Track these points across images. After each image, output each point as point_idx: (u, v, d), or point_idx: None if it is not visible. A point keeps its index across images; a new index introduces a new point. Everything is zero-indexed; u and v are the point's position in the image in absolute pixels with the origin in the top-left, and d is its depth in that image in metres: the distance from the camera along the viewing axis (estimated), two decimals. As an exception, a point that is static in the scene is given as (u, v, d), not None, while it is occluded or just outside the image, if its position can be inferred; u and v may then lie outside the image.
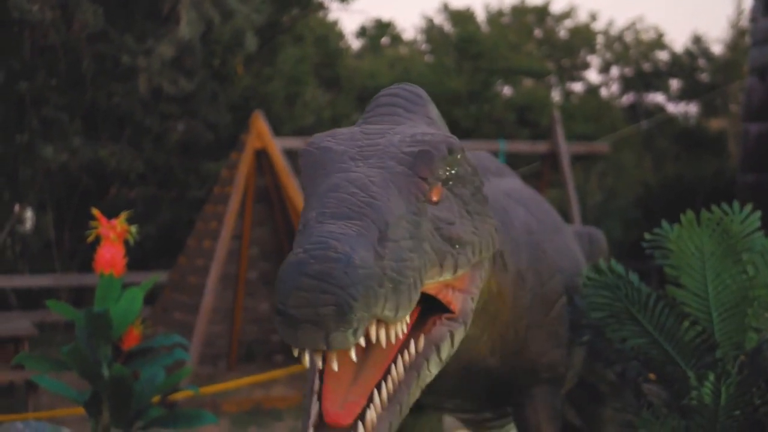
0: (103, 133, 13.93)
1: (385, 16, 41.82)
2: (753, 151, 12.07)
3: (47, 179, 13.65)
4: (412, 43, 26.81)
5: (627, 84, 26.47)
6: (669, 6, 50.15)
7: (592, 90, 26.52)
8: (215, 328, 11.15)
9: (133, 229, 5.21)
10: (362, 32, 25.62)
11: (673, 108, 25.34)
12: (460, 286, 2.60)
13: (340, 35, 23.24)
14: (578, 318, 3.92)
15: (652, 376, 3.83)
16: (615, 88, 27.11)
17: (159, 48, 12.78)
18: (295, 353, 2.18)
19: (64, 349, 4.81)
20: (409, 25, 34.75)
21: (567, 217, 11.42)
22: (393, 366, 2.37)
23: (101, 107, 13.77)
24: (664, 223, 3.76)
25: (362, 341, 2.13)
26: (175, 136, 14.75)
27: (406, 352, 2.41)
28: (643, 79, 25.84)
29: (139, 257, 13.05)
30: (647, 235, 3.79)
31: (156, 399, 5.29)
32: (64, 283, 12.85)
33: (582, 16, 31.87)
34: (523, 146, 13.48)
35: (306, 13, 17.67)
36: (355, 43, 25.85)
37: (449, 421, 5.86)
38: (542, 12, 26.79)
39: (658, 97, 26.10)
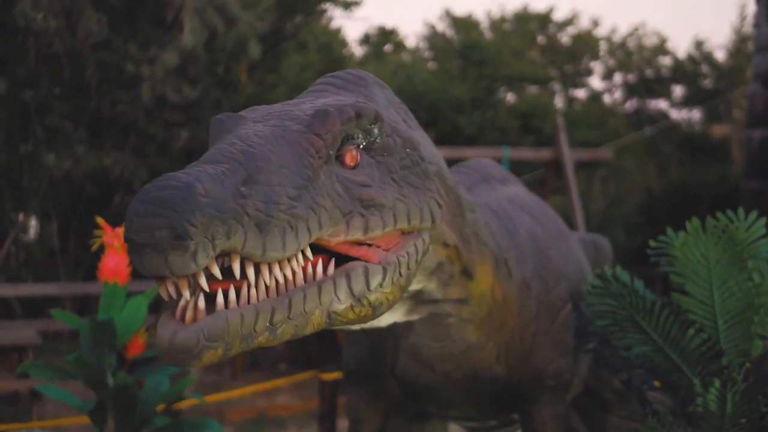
0: (107, 141, 13.93)
1: (389, 24, 41.82)
2: (756, 157, 12.05)
3: (51, 187, 13.65)
4: (414, 51, 26.82)
5: (630, 90, 26.47)
6: (671, 12, 50.17)
7: (596, 96, 26.52)
8: (219, 336, 11.15)
9: (138, 237, 5.20)
10: (366, 39, 25.63)
11: (676, 114, 25.35)
12: (385, 247, 2.59)
13: (344, 43, 23.26)
14: (584, 325, 3.92)
15: (657, 383, 3.82)
16: (618, 94, 27.11)
17: (163, 56, 12.78)
18: (159, 289, 2.17)
19: (68, 358, 4.81)
20: (411, 32, 34.84)
21: (570, 223, 11.41)
22: (287, 271, 2.32)
23: (105, 115, 13.78)
24: (669, 230, 3.75)
25: (217, 272, 2.12)
26: (178, 143, 14.75)
27: (310, 270, 2.38)
28: (646, 86, 25.84)
29: (143, 265, 13.03)
30: (652, 243, 3.79)
31: (160, 408, 5.29)
32: (69, 292, 12.83)
33: (584, 23, 31.84)
34: (526, 153, 13.48)
35: (309, 21, 17.68)
36: (359, 51, 25.87)
37: (454, 429, 5.86)
38: (545, 19, 26.80)
39: (661, 104, 26.11)
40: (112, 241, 5.11)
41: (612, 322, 3.75)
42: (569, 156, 12.30)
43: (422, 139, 2.94)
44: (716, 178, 18.30)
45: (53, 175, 13.09)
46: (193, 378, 5.37)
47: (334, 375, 6.93)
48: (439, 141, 15.50)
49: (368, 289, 2.49)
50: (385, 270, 2.55)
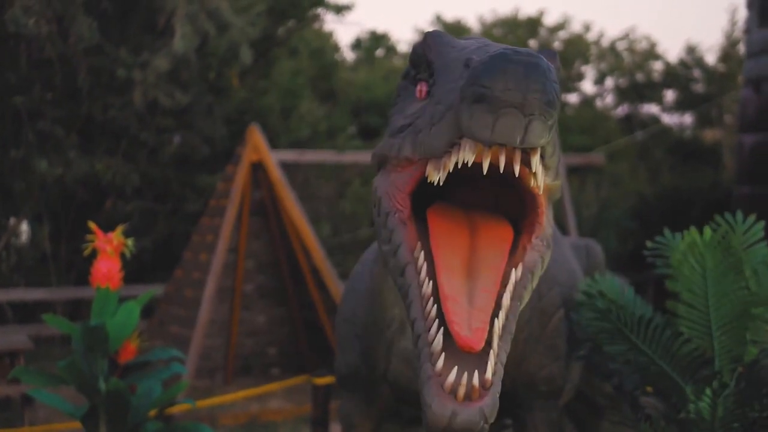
0: (98, 146, 13.91)
1: (380, 28, 41.83)
2: (748, 162, 12.07)
3: (43, 192, 13.64)
4: (406, 56, 26.83)
5: (621, 95, 26.49)
6: (662, 16, 50.23)
7: (587, 101, 26.54)
8: (212, 341, 11.14)
9: (130, 242, 5.20)
10: (357, 44, 25.64)
11: (667, 119, 25.37)
12: (543, 210, 2.60)
13: (336, 47, 23.25)
14: (576, 331, 3.92)
15: (649, 388, 3.83)
16: (610, 99, 27.13)
17: (154, 61, 12.78)
18: (469, 156, 2.17)
19: (60, 363, 4.80)
20: (402, 36, 34.83)
21: (563, 228, 11.42)
22: (503, 296, 2.36)
23: (97, 120, 13.76)
24: (666, 232, 3.76)
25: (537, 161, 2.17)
26: (170, 149, 14.73)
27: (510, 283, 2.40)
28: (638, 90, 25.86)
29: (135, 270, 13.03)
30: (649, 244, 3.79)
31: (153, 413, 5.28)
32: (60, 297, 12.82)
33: (576, 27, 31.95)
34: (518, 158, 13.45)
35: (301, 26, 17.68)
36: (350, 56, 25.87)
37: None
38: (535, 23, 26.81)
39: (652, 108, 26.13)
40: (104, 246, 5.10)
41: (601, 334, 3.76)
42: (561, 161, 12.31)
43: None
44: (708, 183, 18.32)
45: (45, 180, 13.07)
46: (186, 383, 5.36)
47: (326, 380, 6.93)
48: (431, 146, 15.46)
49: (537, 277, 2.61)
50: (550, 247, 2.64)
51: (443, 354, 2.22)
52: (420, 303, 2.32)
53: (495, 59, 2.04)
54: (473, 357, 2.22)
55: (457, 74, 2.26)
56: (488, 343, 2.27)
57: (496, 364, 2.24)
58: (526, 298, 2.48)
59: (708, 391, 3.32)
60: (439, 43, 2.52)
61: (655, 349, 3.64)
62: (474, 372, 2.16)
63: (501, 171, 2.19)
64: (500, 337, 2.30)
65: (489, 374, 2.18)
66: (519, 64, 2.01)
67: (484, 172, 2.18)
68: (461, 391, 2.14)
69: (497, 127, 2.02)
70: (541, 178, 2.30)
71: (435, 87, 2.37)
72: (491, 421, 2.15)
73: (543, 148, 2.19)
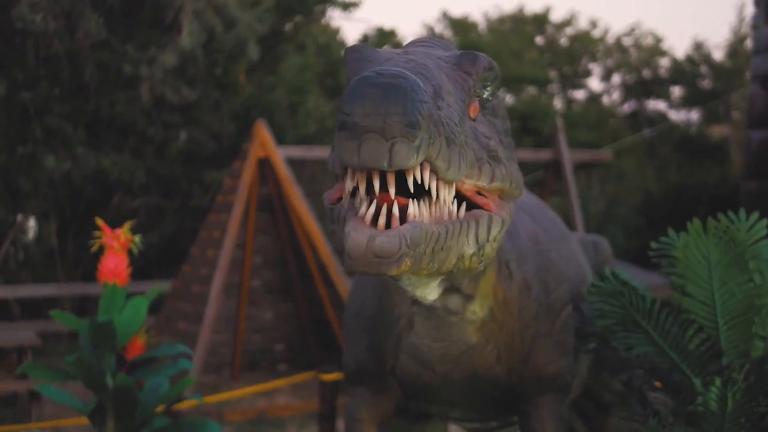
0: (106, 142, 13.93)
1: (387, 25, 41.81)
2: (756, 158, 12.04)
3: (50, 189, 13.65)
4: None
5: (628, 91, 26.48)
6: (668, 12, 50.17)
7: (594, 98, 26.53)
8: (219, 337, 11.15)
9: (137, 238, 5.20)
10: (364, 40, 25.63)
11: (674, 115, 25.36)
12: (494, 201, 2.60)
13: (343, 44, 23.24)
14: (584, 327, 3.92)
15: (657, 384, 3.82)
16: (616, 95, 27.12)
17: (161, 57, 12.78)
18: (350, 186, 2.19)
19: (68, 359, 4.80)
20: (410, 33, 34.82)
21: (570, 225, 11.41)
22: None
23: (104, 116, 13.77)
24: (671, 231, 3.75)
25: (420, 177, 2.15)
26: (177, 145, 14.74)
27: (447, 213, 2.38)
28: (645, 87, 25.84)
29: (142, 266, 13.05)
30: (654, 244, 3.78)
31: (160, 409, 5.28)
32: (68, 293, 12.83)
33: (582, 24, 31.83)
34: (526, 154, 13.46)
35: (308, 22, 17.67)
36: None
37: (453, 430, 5.86)
38: (542, 20, 26.81)
39: (659, 105, 26.12)
40: (112, 242, 5.10)
41: (612, 322, 3.75)
42: (568, 157, 12.30)
43: None
44: (715, 180, 18.32)
45: (52, 176, 13.09)
46: (193, 379, 5.36)
47: (333, 376, 6.92)
48: (438, 142, 15.48)
49: (487, 239, 2.52)
50: (502, 221, 2.58)
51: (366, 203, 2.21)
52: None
53: (356, 84, 2.05)
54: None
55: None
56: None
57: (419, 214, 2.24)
58: (469, 240, 2.43)
59: (717, 382, 3.32)
60: (354, 59, 2.53)
61: (665, 338, 3.63)
62: (395, 203, 2.17)
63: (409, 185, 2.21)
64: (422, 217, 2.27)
65: (411, 210, 2.18)
66: (378, 87, 2.01)
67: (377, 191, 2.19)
68: (381, 220, 2.15)
69: (362, 153, 2.03)
70: (444, 192, 2.29)
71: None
72: (413, 249, 2.14)
73: (435, 164, 2.18)
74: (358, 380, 3.81)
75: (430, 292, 2.97)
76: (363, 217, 2.19)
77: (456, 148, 2.22)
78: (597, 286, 3.80)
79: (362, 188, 2.20)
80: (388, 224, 2.20)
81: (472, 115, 2.51)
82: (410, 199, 2.21)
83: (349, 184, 2.22)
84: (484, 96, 2.58)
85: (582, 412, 4.88)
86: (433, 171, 2.18)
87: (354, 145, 2.04)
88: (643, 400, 3.82)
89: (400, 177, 2.18)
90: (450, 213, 2.36)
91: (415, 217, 2.21)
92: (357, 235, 2.13)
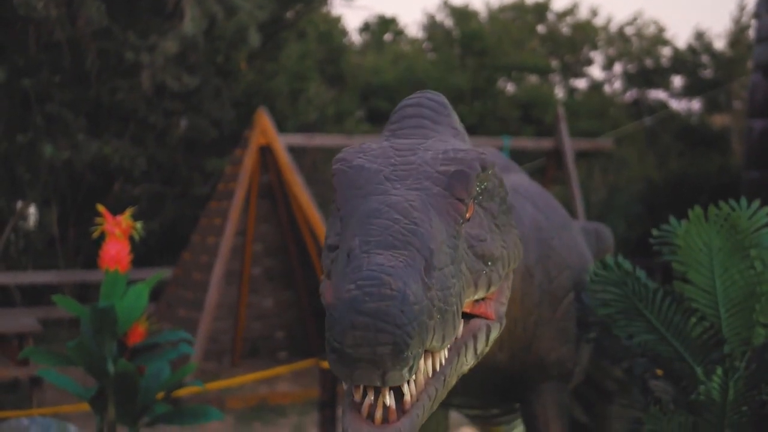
0: (106, 129, 13.93)
1: (388, 12, 41.77)
2: (757, 147, 12.05)
3: (51, 176, 13.65)
4: (414, 41, 26.80)
5: (630, 80, 26.46)
6: (671, 2, 50.09)
7: (596, 86, 26.52)
8: (219, 324, 11.17)
9: (139, 225, 5.20)
10: (366, 28, 25.62)
11: (675, 104, 25.34)
12: (491, 297, 2.58)
13: (344, 31, 23.23)
14: (586, 314, 3.92)
15: (659, 372, 3.82)
16: (618, 84, 27.10)
17: (162, 44, 12.77)
18: (348, 389, 2.16)
19: (69, 345, 4.80)
20: (411, 21, 34.77)
21: (571, 213, 11.41)
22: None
23: (105, 104, 13.77)
24: (672, 219, 3.75)
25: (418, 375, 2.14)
26: (178, 132, 14.74)
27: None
28: (646, 76, 25.83)
29: (142, 254, 13.06)
30: (655, 232, 3.78)
31: (161, 395, 5.29)
32: (68, 280, 12.85)
33: (584, 12, 31.79)
34: (527, 143, 13.47)
35: (309, 9, 17.66)
36: (358, 39, 25.85)
37: (454, 417, 5.86)
38: (543, 8, 26.78)
39: (660, 94, 26.10)
40: (113, 228, 5.10)
41: (614, 310, 3.75)
42: (570, 145, 12.30)
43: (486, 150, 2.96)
44: (716, 169, 18.31)
45: (53, 164, 13.09)
46: (194, 365, 5.36)
47: (334, 363, 6.92)
48: (439, 130, 15.50)
49: (486, 345, 2.51)
50: (501, 323, 2.58)
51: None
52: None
53: (344, 308, 2.01)
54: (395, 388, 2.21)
55: (347, 246, 2.25)
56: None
57: (415, 389, 2.22)
58: (468, 359, 2.42)
59: (719, 371, 3.32)
60: (339, 183, 2.48)
61: (668, 326, 3.63)
62: (389, 395, 2.15)
63: None
64: (421, 389, 2.26)
65: (407, 397, 2.17)
66: (367, 315, 1.98)
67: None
68: (378, 413, 2.13)
69: (354, 377, 2.02)
70: (440, 357, 2.28)
71: (342, 235, 2.37)
72: None
73: (431, 347, 2.15)
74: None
75: None
76: (359, 409, 2.15)
77: (450, 315, 2.19)
78: (600, 275, 3.80)
79: (371, 393, 2.18)
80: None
81: (467, 217, 2.47)
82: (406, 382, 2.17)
83: (346, 388, 2.20)
84: (479, 189, 2.54)
85: (583, 399, 4.88)
86: (429, 350, 2.16)
87: (347, 370, 2.02)
88: (645, 388, 3.83)
89: None
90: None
91: (410, 398, 2.17)
92: None
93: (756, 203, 3.69)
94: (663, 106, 25.15)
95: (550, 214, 3.92)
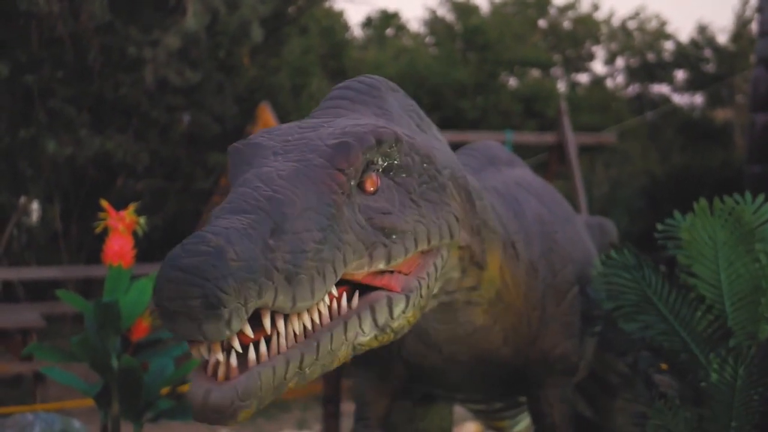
0: (109, 124, 13.92)
1: (391, 7, 41.77)
2: (760, 141, 12.02)
3: (54, 171, 13.65)
4: (416, 36, 26.79)
5: (632, 75, 26.46)
6: (674, -4, 50.02)
7: (598, 81, 26.51)
8: (222, 319, 11.15)
9: (142, 220, 5.20)
10: (368, 23, 25.61)
11: (678, 99, 25.34)
12: (405, 270, 2.56)
13: (346, 26, 23.23)
14: (590, 308, 3.92)
15: (663, 366, 3.82)
16: (620, 79, 27.10)
17: (165, 39, 12.77)
18: (190, 350, 2.16)
19: (73, 340, 4.80)
20: (413, 16, 34.76)
21: (574, 207, 11.40)
22: (315, 315, 2.30)
23: (108, 99, 13.77)
24: (676, 213, 3.75)
25: (249, 331, 2.11)
26: (181, 127, 14.75)
27: (335, 305, 2.36)
28: (648, 70, 25.82)
29: (146, 249, 13.03)
30: (659, 226, 3.78)
31: (165, 390, 5.29)
32: (72, 275, 12.85)
33: (585, 6, 31.79)
34: (530, 137, 13.48)
35: (311, 4, 17.65)
36: (361, 34, 25.84)
37: (458, 412, 5.86)
38: (545, 3, 26.77)
39: (663, 88, 26.10)
40: (117, 223, 5.10)
41: (623, 297, 3.74)
42: (573, 140, 12.29)
43: (435, 141, 2.91)
44: (719, 163, 18.31)
45: (56, 159, 13.09)
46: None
47: (338, 358, 6.92)
48: (442, 125, 15.49)
49: (392, 318, 2.48)
50: (408, 297, 2.53)
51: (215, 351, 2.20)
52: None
53: (164, 264, 2.06)
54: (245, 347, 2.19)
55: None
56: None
57: (267, 350, 2.21)
58: (365, 330, 2.39)
59: (730, 360, 3.32)
60: (233, 163, 2.51)
61: (676, 316, 3.63)
62: (234, 354, 2.15)
63: None
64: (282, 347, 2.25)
65: (251, 355, 2.17)
66: (180, 270, 2.01)
67: None
68: (222, 372, 2.13)
69: (178, 331, 2.05)
70: (304, 316, 2.27)
71: None
72: (247, 401, 2.12)
73: (276, 306, 2.14)
74: (365, 362, 3.82)
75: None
76: (205, 367, 2.17)
77: (306, 277, 2.18)
78: (611, 260, 3.80)
79: (203, 348, 2.17)
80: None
81: (370, 190, 2.47)
82: (250, 342, 2.17)
83: (190, 350, 2.20)
84: (387, 164, 2.54)
85: (587, 393, 4.89)
86: (278, 311, 2.16)
87: (170, 324, 2.05)
88: (649, 383, 3.83)
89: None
90: (335, 311, 2.35)
91: (259, 358, 2.17)
92: (195, 390, 2.13)
93: (761, 197, 3.69)
94: (665, 100, 25.16)
95: (554, 208, 3.92)
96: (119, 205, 5.40)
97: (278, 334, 2.20)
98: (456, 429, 7.67)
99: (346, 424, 7.04)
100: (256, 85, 15.85)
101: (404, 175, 2.59)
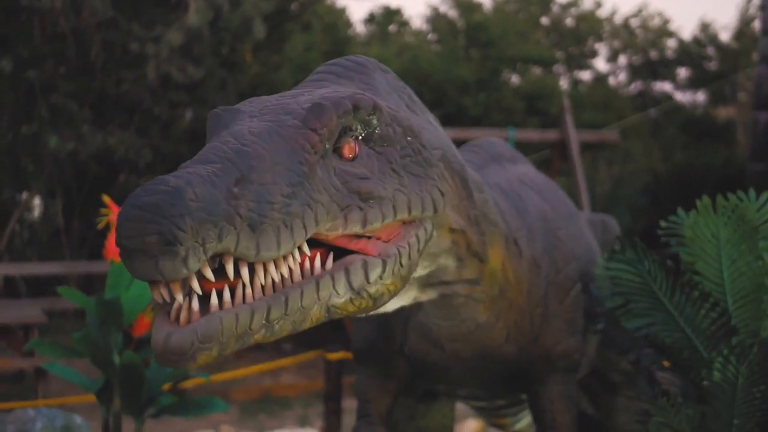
0: (111, 120, 13.92)
1: (393, 4, 41.70)
2: (762, 139, 12.03)
3: (56, 167, 13.65)
4: (419, 33, 26.78)
5: (634, 72, 26.45)
6: (677, -6, 49.98)
7: (600, 78, 26.50)
8: (224, 315, 11.15)
9: (144, 216, 5.19)
10: (371, 19, 25.59)
11: (680, 96, 25.34)
12: (385, 238, 2.57)
13: (348, 23, 23.22)
14: (592, 306, 3.91)
15: (666, 363, 3.82)
16: (622, 76, 27.09)
17: (167, 35, 12.76)
18: (152, 292, 2.17)
19: (75, 336, 4.81)
20: (415, 13, 34.75)
21: (576, 205, 11.40)
22: (284, 270, 2.31)
23: (110, 95, 13.77)
24: (680, 211, 3.74)
25: (210, 274, 2.12)
26: (183, 123, 14.75)
27: (308, 265, 2.37)
28: (651, 68, 25.82)
29: (147, 245, 13.05)
30: (663, 223, 3.78)
31: (166, 386, 5.30)
32: (73, 271, 12.85)
33: (588, 3, 31.79)
34: (532, 134, 13.46)
35: (314, 1, 17.65)
36: (363, 31, 25.83)
37: (460, 409, 5.87)
38: (547, 0, 26.77)
39: (665, 86, 26.10)
40: (119, 219, 5.10)
41: (627, 293, 3.73)
42: (575, 138, 12.29)
43: (426, 123, 2.91)
44: (721, 161, 18.30)
45: (58, 155, 13.09)
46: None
47: (339, 355, 6.93)
48: (445, 122, 15.47)
49: (368, 282, 2.48)
50: (384, 262, 2.53)
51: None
52: None
53: (125, 204, 2.07)
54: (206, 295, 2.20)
55: None
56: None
57: (231, 298, 2.22)
58: (338, 291, 2.40)
59: (732, 358, 3.32)
60: (211, 126, 2.54)
61: (680, 312, 3.62)
62: (195, 298, 2.15)
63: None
64: (250, 298, 2.24)
65: (214, 301, 2.16)
66: (138, 208, 2.03)
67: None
68: (183, 316, 2.14)
69: (136, 270, 2.06)
70: (270, 268, 2.27)
71: None
72: (207, 344, 2.12)
73: (238, 254, 2.15)
74: (367, 359, 3.82)
75: (417, 297, 3.00)
76: (167, 313, 2.18)
77: (271, 227, 2.19)
78: (617, 252, 3.79)
79: (164, 290, 2.17)
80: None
81: (348, 156, 2.49)
82: (213, 288, 2.18)
83: (151, 292, 2.21)
84: (368, 131, 2.56)
85: (589, 391, 4.88)
86: (241, 258, 2.18)
87: (129, 263, 2.07)
88: (652, 380, 3.82)
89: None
90: (307, 271, 2.36)
91: (223, 305, 2.18)
92: (156, 334, 2.14)
93: (765, 195, 3.69)
94: (668, 98, 25.16)
95: (557, 205, 3.91)
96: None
97: (243, 285, 2.21)
98: (457, 426, 7.67)
99: (348, 421, 7.05)
100: (258, 82, 15.84)
101: (385, 145, 2.61)
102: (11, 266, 12.62)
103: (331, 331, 11.17)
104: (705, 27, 24.65)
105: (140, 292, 5.11)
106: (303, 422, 9.05)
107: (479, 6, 25.83)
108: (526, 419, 4.84)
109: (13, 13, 12.75)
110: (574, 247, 3.82)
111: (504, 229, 3.26)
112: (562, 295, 3.63)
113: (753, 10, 23.25)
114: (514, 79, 24.09)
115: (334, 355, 6.91)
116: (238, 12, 13.81)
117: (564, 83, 25.69)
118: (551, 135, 12.72)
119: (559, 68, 26.25)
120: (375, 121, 2.56)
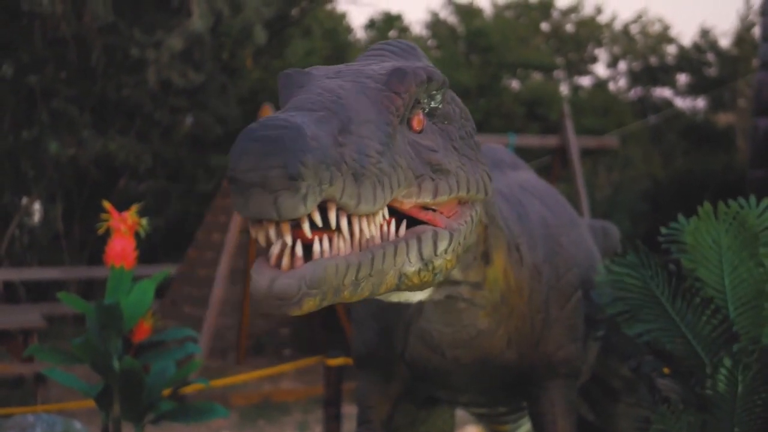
0: (112, 125, 13.93)
1: (394, 9, 41.72)
2: (762, 146, 12.03)
3: (56, 172, 13.66)
4: (419, 39, 26.79)
5: (634, 78, 26.46)
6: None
7: (601, 84, 26.51)
8: (224, 321, 11.15)
9: (144, 221, 5.20)
10: (371, 25, 25.59)
11: (680, 103, 25.35)
12: (445, 213, 2.57)
13: (349, 28, 23.23)
14: (593, 312, 3.91)
15: (666, 370, 3.81)
16: (622, 82, 27.10)
17: (168, 40, 12.78)
18: (254, 234, 2.16)
19: (75, 342, 4.80)
20: (415, 19, 34.77)
21: (576, 211, 11.41)
22: (372, 228, 2.30)
23: (111, 100, 13.78)
24: (680, 217, 3.74)
25: (318, 220, 2.11)
26: (184, 129, 14.76)
27: (385, 230, 2.36)
28: (651, 74, 25.83)
29: (147, 250, 13.06)
30: (663, 230, 3.78)
31: (166, 392, 5.29)
32: (73, 276, 12.87)
33: (588, 10, 31.82)
34: (533, 140, 13.47)
35: (315, 6, 17.66)
36: (364, 36, 25.84)
37: (460, 415, 5.86)
38: (548, 6, 26.79)
39: (665, 92, 26.11)
40: (119, 225, 5.10)
41: (629, 298, 3.73)
42: (575, 143, 12.29)
43: None
44: (721, 167, 18.30)
45: (58, 160, 13.09)
46: (199, 362, 5.36)
47: (339, 360, 6.92)
48: (445, 128, 15.51)
49: (435, 254, 2.47)
50: (451, 235, 2.53)
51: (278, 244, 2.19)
52: None
53: (240, 138, 2.04)
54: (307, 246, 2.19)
55: None
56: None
57: (330, 248, 2.20)
58: (411, 259, 2.39)
59: (728, 363, 3.31)
60: (283, 85, 2.52)
61: (682, 318, 3.62)
62: (299, 243, 2.14)
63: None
64: (336, 251, 2.24)
65: (316, 247, 2.15)
66: (258, 141, 2.00)
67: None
68: (285, 260, 2.12)
69: (249, 206, 2.03)
70: (364, 223, 2.25)
71: None
72: (314, 290, 2.10)
73: (341, 203, 2.15)
74: (368, 365, 3.81)
75: (431, 294, 2.99)
76: (268, 259, 2.17)
77: (369, 181, 2.18)
78: (621, 257, 3.79)
79: (272, 230, 2.18)
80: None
81: (416, 128, 2.49)
82: (315, 237, 2.17)
83: (253, 233, 2.19)
84: (432, 105, 2.57)
85: (590, 397, 4.88)
86: (342, 208, 2.17)
87: (242, 199, 2.03)
88: (653, 387, 3.82)
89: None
90: (385, 235, 2.36)
91: (323, 254, 2.16)
92: (258, 278, 2.12)
93: (765, 201, 3.68)
94: (668, 104, 25.17)
95: (558, 211, 3.91)
96: (121, 207, 5.40)
97: (341, 237, 2.19)
98: (457, 432, 7.67)
99: (348, 427, 7.05)
100: (259, 87, 15.86)
101: (446, 123, 2.64)
102: (11, 271, 12.62)
103: (331, 336, 11.18)
104: (705, 33, 24.66)
105: (140, 297, 5.10)
106: (303, 428, 9.04)
107: (479, 12, 25.84)
108: (526, 426, 4.83)
109: (15, 17, 12.77)
110: (576, 254, 3.82)
111: (507, 235, 3.26)
112: (564, 301, 3.63)
113: (753, 16, 23.26)
114: (515, 84, 24.11)
115: (334, 361, 6.89)
116: (238, 18, 13.84)
117: (564, 89, 25.70)
118: (551, 141, 12.72)
119: (559, 74, 26.27)
120: (440, 97, 2.58)
